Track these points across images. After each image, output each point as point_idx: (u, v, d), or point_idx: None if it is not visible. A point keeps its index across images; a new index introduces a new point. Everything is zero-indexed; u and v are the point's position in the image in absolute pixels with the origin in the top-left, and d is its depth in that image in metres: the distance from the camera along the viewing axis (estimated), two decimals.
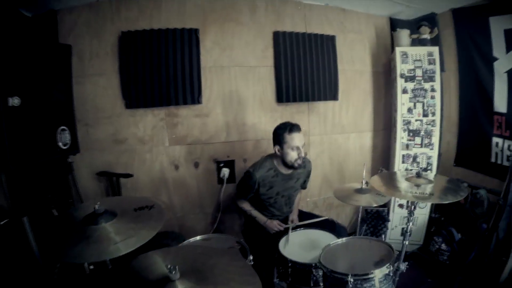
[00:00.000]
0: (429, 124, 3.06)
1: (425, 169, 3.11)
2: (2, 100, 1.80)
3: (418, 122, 3.07)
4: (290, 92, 3.04)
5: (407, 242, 1.99)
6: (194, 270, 1.16)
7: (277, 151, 2.29)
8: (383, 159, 3.54)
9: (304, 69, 3.04)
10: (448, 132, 3.26)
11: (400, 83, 3.04)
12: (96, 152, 2.71)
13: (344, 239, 2.01)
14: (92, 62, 2.62)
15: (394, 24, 3.35)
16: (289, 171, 2.37)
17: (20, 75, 1.97)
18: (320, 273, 1.87)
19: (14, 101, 1.86)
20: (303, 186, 2.63)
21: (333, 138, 3.35)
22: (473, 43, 2.92)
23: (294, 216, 2.51)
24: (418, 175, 2.02)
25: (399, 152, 3.15)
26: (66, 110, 2.37)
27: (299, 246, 2.10)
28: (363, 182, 2.27)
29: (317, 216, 2.45)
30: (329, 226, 2.34)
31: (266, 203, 2.41)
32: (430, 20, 3.16)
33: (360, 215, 2.63)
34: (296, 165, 2.25)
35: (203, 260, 1.24)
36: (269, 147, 3.08)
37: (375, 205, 2.19)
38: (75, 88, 2.53)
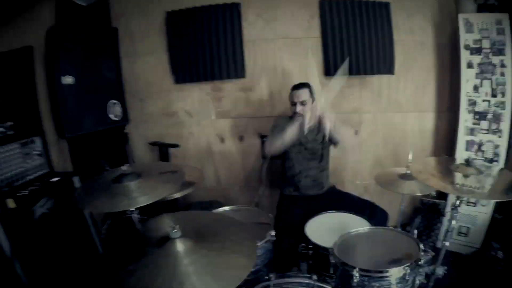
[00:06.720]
0: (498, 106, 2.55)
1: (491, 160, 2.62)
2: (57, 79, 2.08)
3: (485, 103, 2.59)
4: (338, 64, 2.85)
5: (447, 243, 1.74)
6: (196, 232, 1.21)
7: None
8: (446, 144, 3.02)
9: (354, 40, 2.82)
10: None
11: (465, 56, 2.59)
12: (149, 124, 3.01)
13: (367, 228, 1.74)
14: (142, 42, 2.85)
15: None
16: None
17: (75, 57, 2.23)
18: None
19: (68, 79, 2.11)
20: (332, 140, 2.36)
21: (388, 116, 3.02)
22: None
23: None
24: (468, 163, 1.70)
25: (462, 137, 2.70)
26: (116, 86, 2.64)
27: (327, 228, 1.94)
28: (407, 167, 2.02)
29: (358, 198, 2.43)
30: (369, 210, 2.19)
31: (293, 156, 2.44)
32: None
33: (403, 205, 2.31)
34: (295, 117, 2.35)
35: (211, 225, 1.29)
36: None
37: (419, 193, 1.97)
38: (129, 66, 2.84)
